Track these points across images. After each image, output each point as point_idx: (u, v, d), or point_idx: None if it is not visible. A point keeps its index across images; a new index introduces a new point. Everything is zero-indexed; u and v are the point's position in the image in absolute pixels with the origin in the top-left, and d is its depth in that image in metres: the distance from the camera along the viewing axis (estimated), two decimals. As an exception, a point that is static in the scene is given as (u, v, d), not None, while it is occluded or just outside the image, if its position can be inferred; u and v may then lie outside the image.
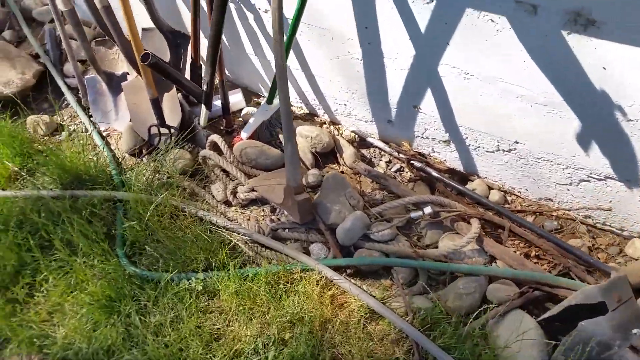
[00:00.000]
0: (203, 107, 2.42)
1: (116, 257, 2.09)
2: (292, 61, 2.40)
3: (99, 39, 2.84)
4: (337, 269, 1.95)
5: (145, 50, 2.17)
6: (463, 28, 1.70)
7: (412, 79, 2.00)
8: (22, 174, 2.48)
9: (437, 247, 2.01)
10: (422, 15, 1.76)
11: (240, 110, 2.70)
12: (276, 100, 2.43)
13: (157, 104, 2.44)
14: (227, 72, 2.82)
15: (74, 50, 2.77)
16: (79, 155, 2.46)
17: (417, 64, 1.93)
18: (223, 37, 2.17)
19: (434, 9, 1.71)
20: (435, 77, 1.92)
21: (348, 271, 1.96)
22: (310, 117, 2.63)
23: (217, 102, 2.65)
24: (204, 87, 2.31)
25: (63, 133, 2.77)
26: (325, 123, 2.58)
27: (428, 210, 1.98)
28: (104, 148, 2.55)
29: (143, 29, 2.70)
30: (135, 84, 2.63)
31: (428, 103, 2.04)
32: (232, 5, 2.38)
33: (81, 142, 2.61)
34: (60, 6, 2.47)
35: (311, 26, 2.13)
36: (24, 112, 2.79)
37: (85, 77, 2.77)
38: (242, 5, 2.33)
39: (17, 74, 2.86)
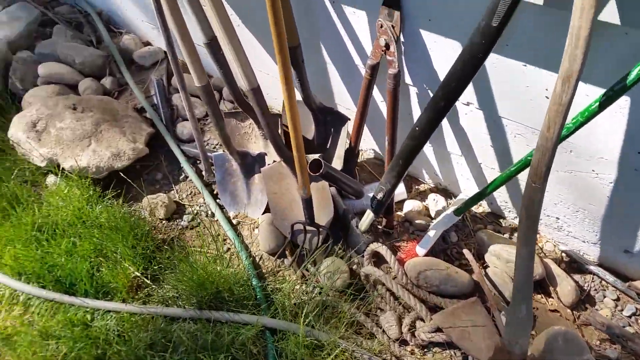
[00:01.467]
0: (369, 212, 1.94)
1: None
2: (488, 158, 1.87)
3: (230, 110, 2.37)
4: None
5: (315, 157, 1.70)
6: None
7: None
8: (146, 281, 2.08)
9: None
10: None
11: (400, 202, 2.20)
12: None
13: (309, 204, 1.97)
14: (379, 150, 2.32)
15: (189, 110, 2.30)
16: (214, 263, 2.04)
17: None
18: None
19: None
20: None
21: None
22: (492, 217, 2.10)
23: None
24: (379, 195, 1.81)
25: (185, 217, 2.34)
26: (515, 229, 2.05)
27: None
28: (244, 257, 2.09)
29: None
30: (277, 171, 2.17)
31: None
32: (412, 90, 1.86)
33: (209, 238, 2.19)
34: (195, 82, 2.00)
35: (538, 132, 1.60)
36: (138, 191, 2.39)
37: (213, 154, 2.31)
38: (429, 90, 1.80)
39: (128, 142, 2.43)
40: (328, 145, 2.22)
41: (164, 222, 2.34)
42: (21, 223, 2.24)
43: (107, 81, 2.84)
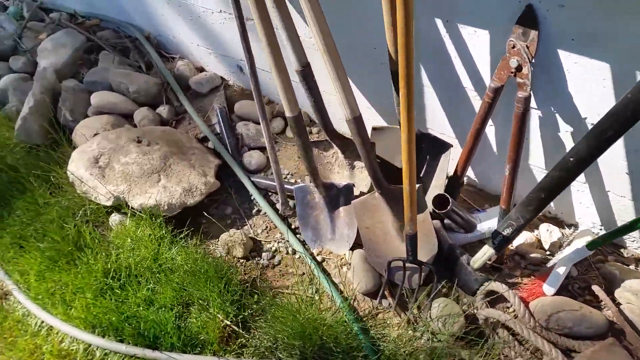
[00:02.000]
0: (488, 248, 1.76)
1: None
2: (619, 185, 1.71)
3: (314, 140, 2.21)
4: None
5: (441, 192, 1.54)
6: None
7: None
8: (238, 330, 1.89)
9: None
10: None
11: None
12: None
13: (414, 241, 1.80)
14: (474, 176, 2.16)
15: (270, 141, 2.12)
16: (311, 307, 1.86)
17: None
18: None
19: None
20: None
21: None
22: (612, 247, 1.93)
23: (480, 226, 2.00)
24: (507, 231, 1.64)
25: (264, 254, 2.16)
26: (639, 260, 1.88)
27: None
28: (339, 300, 1.90)
29: (373, 128, 2.06)
30: (369, 203, 2.00)
31: None
32: (535, 113, 1.70)
33: (300, 278, 2.01)
34: (287, 112, 1.84)
35: None
36: (209, 228, 2.22)
37: (294, 186, 2.14)
38: (557, 114, 1.64)
39: (199, 175, 2.26)
40: (422, 173, 2.05)
41: (241, 260, 2.16)
42: (91, 269, 2.06)
43: (164, 110, 2.67)
